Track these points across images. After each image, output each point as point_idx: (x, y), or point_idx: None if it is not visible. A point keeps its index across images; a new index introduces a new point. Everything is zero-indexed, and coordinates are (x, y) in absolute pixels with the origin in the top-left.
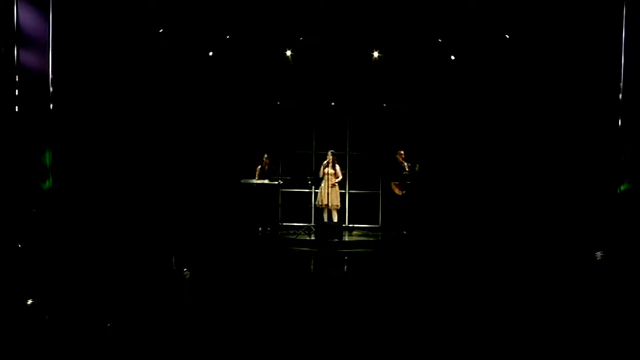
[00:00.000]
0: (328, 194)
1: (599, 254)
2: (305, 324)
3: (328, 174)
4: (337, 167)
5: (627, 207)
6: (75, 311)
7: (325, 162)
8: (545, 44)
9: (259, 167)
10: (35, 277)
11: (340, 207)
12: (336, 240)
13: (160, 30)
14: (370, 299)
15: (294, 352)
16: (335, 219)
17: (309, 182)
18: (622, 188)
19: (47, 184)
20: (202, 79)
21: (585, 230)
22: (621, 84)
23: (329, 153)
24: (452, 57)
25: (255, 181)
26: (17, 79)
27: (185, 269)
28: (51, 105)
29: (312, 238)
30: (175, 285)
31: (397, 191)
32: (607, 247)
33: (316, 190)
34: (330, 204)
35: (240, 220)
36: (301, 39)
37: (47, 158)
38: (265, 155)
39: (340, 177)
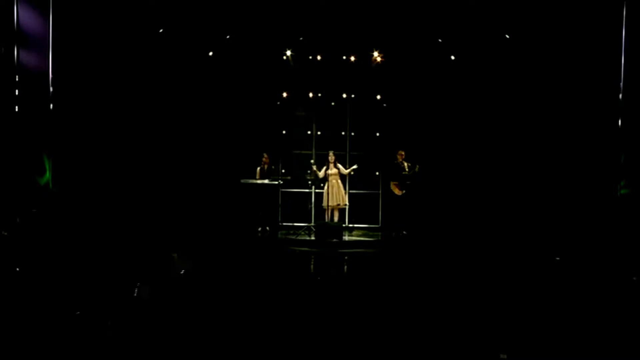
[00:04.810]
0: (332, 194)
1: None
2: (305, 324)
3: (330, 174)
4: (339, 165)
5: (627, 209)
6: (75, 309)
7: (327, 163)
8: (545, 44)
9: (259, 167)
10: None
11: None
12: (336, 240)
13: (160, 30)
14: (370, 300)
15: (293, 352)
16: (336, 219)
17: (309, 182)
18: (621, 192)
19: (46, 175)
20: (202, 79)
21: (585, 230)
22: (621, 84)
23: (330, 153)
24: (452, 57)
25: (255, 181)
26: (17, 79)
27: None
28: (51, 105)
29: (312, 238)
30: (174, 284)
31: (396, 191)
32: (606, 248)
33: (317, 190)
34: (336, 204)
35: (240, 220)
36: (301, 39)
37: (47, 162)
38: (265, 155)
39: (347, 171)
